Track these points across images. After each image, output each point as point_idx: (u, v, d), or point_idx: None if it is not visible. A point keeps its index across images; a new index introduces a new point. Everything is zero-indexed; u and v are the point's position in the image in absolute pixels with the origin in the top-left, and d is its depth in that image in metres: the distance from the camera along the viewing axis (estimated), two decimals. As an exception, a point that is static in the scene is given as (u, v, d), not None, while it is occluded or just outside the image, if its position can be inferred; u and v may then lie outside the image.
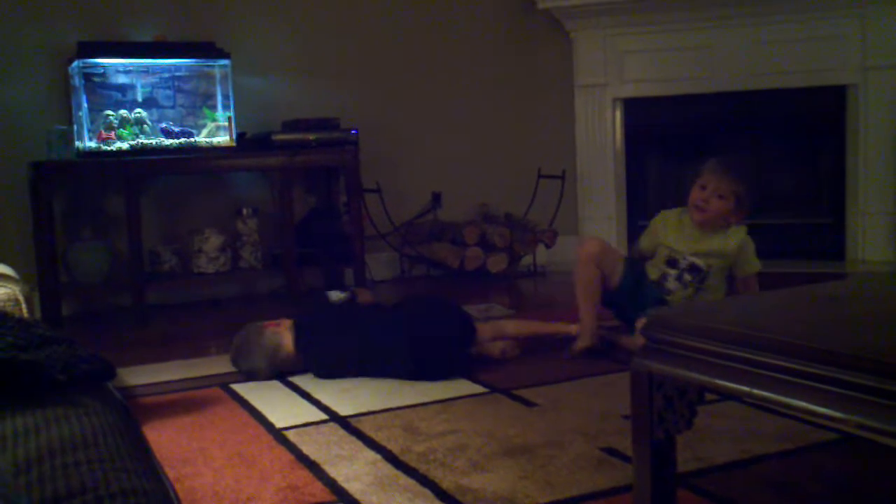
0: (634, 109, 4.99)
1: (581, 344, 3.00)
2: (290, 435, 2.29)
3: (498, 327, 3.08)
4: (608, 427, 2.25)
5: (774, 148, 5.00)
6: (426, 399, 2.56)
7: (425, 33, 4.89)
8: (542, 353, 3.08)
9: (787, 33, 4.64)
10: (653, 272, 3.08)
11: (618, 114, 5.00)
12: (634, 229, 4.99)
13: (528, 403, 2.50)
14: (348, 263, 4.39)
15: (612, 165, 5.02)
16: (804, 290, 1.71)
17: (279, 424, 2.38)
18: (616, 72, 4.94)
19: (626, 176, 5.05)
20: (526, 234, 4.73)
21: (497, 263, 4.62)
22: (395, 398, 2.59)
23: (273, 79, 4.54)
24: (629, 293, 3.04)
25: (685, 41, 4.81)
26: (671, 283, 3.02)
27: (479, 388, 2.66)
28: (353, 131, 4.33)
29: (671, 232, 3.08)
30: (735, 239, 3.00)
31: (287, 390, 2.73)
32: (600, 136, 5.03)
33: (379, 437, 2.25)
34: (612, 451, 2.08)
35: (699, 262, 2.99)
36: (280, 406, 2.56)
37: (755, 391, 1.30)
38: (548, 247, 4.85)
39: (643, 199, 5.08)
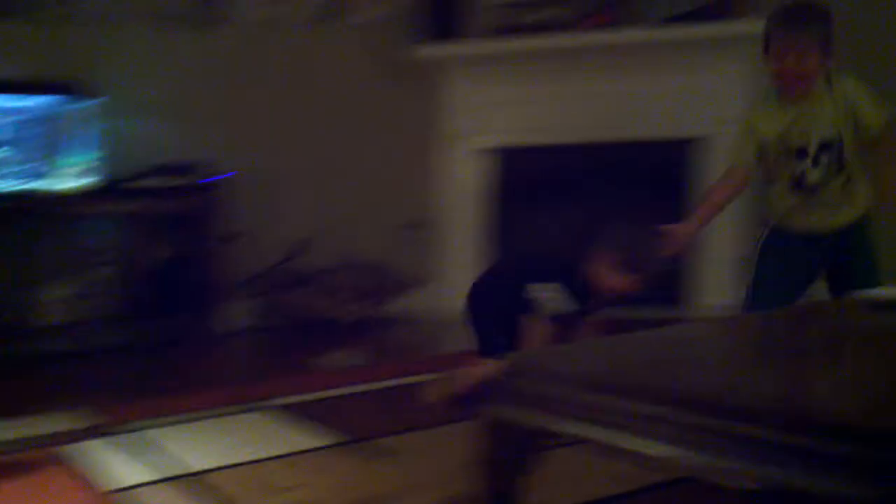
0: (501, 159, 5.06)
1: None
2: (129, 496, 2.17)
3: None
4: (462, 474, 2.23)
5: (633, 198, 5.13)
6: (277, 452, 2.49)
7: (296, 79, 4.84)
8: (400, 400, 3.05)
9: (645, 87, 4.79)
10: (780, 199, 2.67)
11: (484, 163, 5.07)
12: (498, 277, 5.04)
13: (383, 453, 2.46)
14: (209, 312, 4.26)
15: (478, 214, 5.07)
16: (648, 334, 1.74)
17: (117, 485, 2.26)
18: (483, 121, 5.00)
19: (491, 224, 5.10)
20: (391, 282, 4.71)
21: (358, 311, 4.58)
22: (246, 451, 2.50)
23: (138, 122, 4.39)
24: None
25: (548, 93, 4.92)
26: (814, 176, 2.59)
27: (332, 439, 2.61)
28: (218, 176, 4.24)
29: (771, 122, 2.61)
30: (843, 84, 2.54)
31: (132, 446, 2.60)
32: (466, 185, 5.08)
33: (229, 493, 2.16)
34: (464, 500, 2.06)
35: (827, 133, 2.54)
36: (121, 465, 2.43)
37: (594, 435, 1.30)
38: (412, 294, 4.85)
39: (509, 247, 5.13)
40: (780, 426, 1.09)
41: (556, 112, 4.91)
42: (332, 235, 4.90)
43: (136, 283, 4.09)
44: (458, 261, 5.08)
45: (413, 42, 4.89)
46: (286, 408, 2.98)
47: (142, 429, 2.78)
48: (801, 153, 2.58)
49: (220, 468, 2.36)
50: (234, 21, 4.67)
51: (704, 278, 4.80)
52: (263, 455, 2.46)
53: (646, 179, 4.99)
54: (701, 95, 4.75)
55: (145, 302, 4.03)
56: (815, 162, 2.56)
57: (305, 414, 2.88)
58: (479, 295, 2.95)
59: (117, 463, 2.45)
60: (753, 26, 4.55)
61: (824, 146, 2.55)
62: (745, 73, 4.69)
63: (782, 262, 2.70)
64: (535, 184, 5.12)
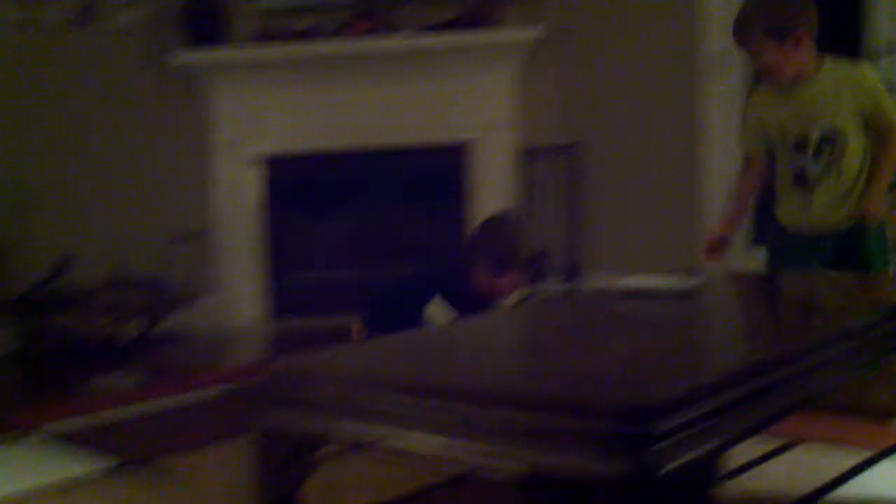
0: (276, 166, 5.00)
1: None
2: None
3: None
4: (246, 489, 2.20)
5: (411, 203, 5.22)
6: (47, 481, 2.35)
7: (52, 88, 4.59)
8: (181, 418, 2.97)
9: (414, 94, 4.89)
10: (783, 195, 2.58)
11: (258, 171, 5.00)
12: (279, 286, 4.99)
13: (165, 474, 2.38)
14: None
15: (254, 222, 5.00)
16: (413, 333, 1.79)
17: None
18: (253, 129, 4.93)
19: (268, 232, 5.04)
20: (163, 297, 4.56)
21: (131, 330, 4.39)
22: (11, 484, 2.35)
23: None
24: None
25: (319, 99, 4.92)
26: (814, 170, 2.49)
27: (109, 463, 2.50)
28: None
29: (769, 105, 2.56)
30: (857, 73, 2.47)
31: None
32: (240, 193, 4.99)
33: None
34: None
35: (830, 126, 2.45)
36: None
37: (365, 434, 1.32)
38: (189, 309, 4.71)
39: (287, 255, 5.09)
40: (538, 409, 1.14)
41: (328, 119, 4.93)
42: (100, 250, 4.68)
43: None
44: (236, 272, 4.99)
45: (174, 47, 4.76)
46: (56, 435, 2.82)
47: None
48: (801, 146, 2.51)
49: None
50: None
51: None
52: (31, 486, 2.33)
53: (420, 184, 5.11)
54: (469, 101, 4.92)
55: None
56: (817, 156, 2.48)
57: (78, 440, 2.75)
58: (378, 311, 3.03)
59: None
60: (517, 35, 4.81)
61: (826, 139, 2.47)
62: (511, 79, 4.92)
63: (788, 265, 2.60)
64: (311, 191, 5.12)
